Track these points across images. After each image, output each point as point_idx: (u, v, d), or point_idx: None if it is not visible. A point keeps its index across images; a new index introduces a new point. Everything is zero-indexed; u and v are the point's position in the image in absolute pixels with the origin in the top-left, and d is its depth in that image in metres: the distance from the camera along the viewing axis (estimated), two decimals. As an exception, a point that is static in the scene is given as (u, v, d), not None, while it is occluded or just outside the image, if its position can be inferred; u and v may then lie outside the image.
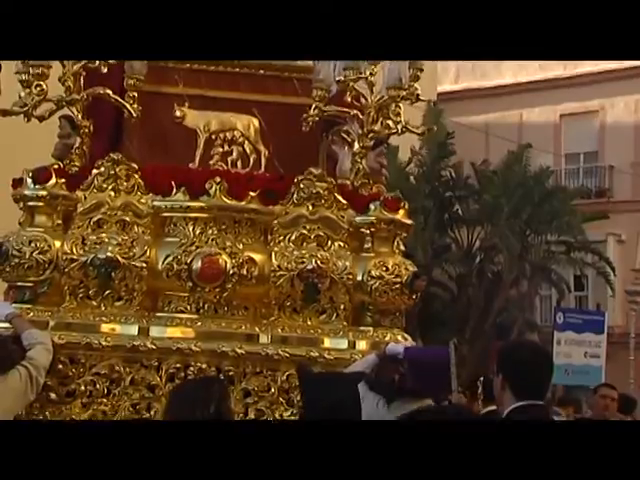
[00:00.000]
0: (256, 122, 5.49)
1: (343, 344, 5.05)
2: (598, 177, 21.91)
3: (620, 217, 20.13)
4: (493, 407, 4.25)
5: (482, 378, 5.82)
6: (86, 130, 5.12)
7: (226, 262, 4.92)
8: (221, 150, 5.46)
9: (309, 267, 5.01)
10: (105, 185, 4.98)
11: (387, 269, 5.10)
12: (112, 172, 4.98)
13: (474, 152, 19.43)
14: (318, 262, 5.02)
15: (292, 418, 4.86)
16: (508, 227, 18.47)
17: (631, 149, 20.86)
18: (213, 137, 5.43)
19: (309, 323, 5.11)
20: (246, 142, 5.47)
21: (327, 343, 5.04)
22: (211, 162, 5.45)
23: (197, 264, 4.89)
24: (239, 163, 5.51)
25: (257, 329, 5.05)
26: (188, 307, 5.03)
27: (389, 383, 4.45)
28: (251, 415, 4.83)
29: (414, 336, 18.85)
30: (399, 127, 5.19)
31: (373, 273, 5.09)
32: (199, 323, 4.99)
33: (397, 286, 5.08)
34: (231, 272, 4.92)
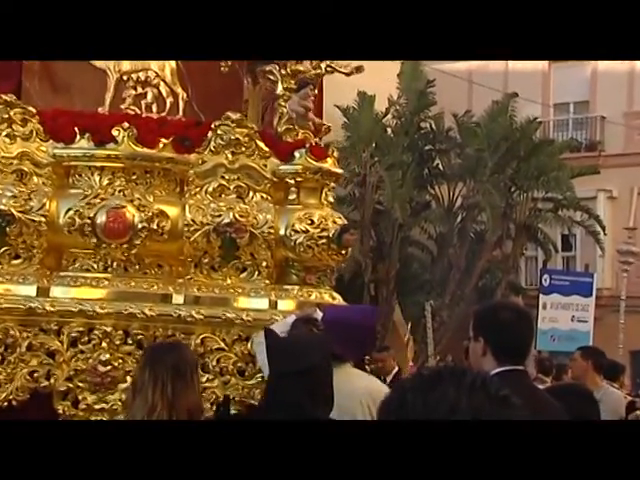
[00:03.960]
0: (172, 62, 5.33)
1: (263, 304, 4.96)
2: (589, 129, 21.77)
3: (611, 172, 20.02)
4: None
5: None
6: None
7: (134, 216, 4.79)
8: (134, 93, 5.31)
9: (226, 221, 4.90)
10: (-2, 131, 4.84)
11: (312, 222, 4.99)
12: (5, 116, 4.83)
13: (456, 102, 19.26)
14: (236, 215, 4.91)
15: (208, 385, 4.79)
16: (492, 183, 18.43)
17: (624, 98, 20.69)
18: (125, 78, 5.27)
19: (228, 282, 5.01)
20: (162, 84, 5.32)
21: (245, 303, 4.95)
22: (123, 106, 5.30)
23: (101, 218, 4.76)
24: (154, 107, 5.37)
25: (171, 289, 4.94)
26: (95, 265, 4.92)
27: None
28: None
29: (390, 300, 18.89)
30: (323, 66, 5.06)
31: (297, 227, 4.99)
32: (106, 282, 4.88)
33: (323, 241, 4.98)
34: (140, 227, 4.80)
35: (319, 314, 4.51)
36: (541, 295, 17.41)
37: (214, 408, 4.74)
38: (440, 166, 19.60)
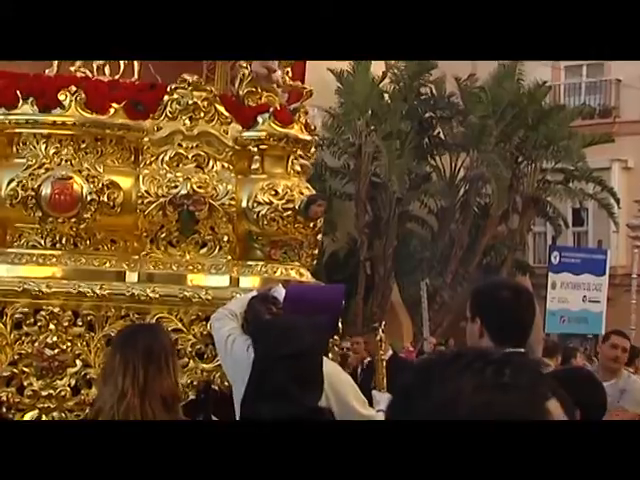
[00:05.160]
0: (125, 20, 5.29)
1: (224, 281, 4.96)
2: (603, 93, 21.71)
3: (627, 140, 19.98)
4: None
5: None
6: None
7: (82, 187, 4.79)
8: (84, 54, 5.28)
9: (183, 192, 4.88)
10: None
11: (277, 193, 4.97)
12: (-60, 79, 4.82)
13: (459, 65, 19.17)
14: (194, 186, 4.89)
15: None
16: (497, 153, 18.39)
17: (641, 60, 20.62)
18: (73, 38, 5.23)
19: (187, 258, 5.01)
20: (114, 44, 5.27)
21: (205, 280, 4.95)
22: (72, 68, 5.26)
23: (46, 190, 4.76)
24: (107, 69, 5.33)
25: (124, 266, 4.94)
26: (42, 241, 4.92)
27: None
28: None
29: (388, 279, 18.83)
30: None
31: (260, 198, 4.97)
32: (54, 259, 4.88)
33: (289, 213, 4.96)
34: (89, 199, 4.79)
35: (281, 292, 4.49)
36: (550, 274, 17.36)
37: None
38: (441, 135, 19.55)
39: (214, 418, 4.16)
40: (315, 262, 5.53)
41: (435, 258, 18.72)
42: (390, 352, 11.01)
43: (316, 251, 5.46)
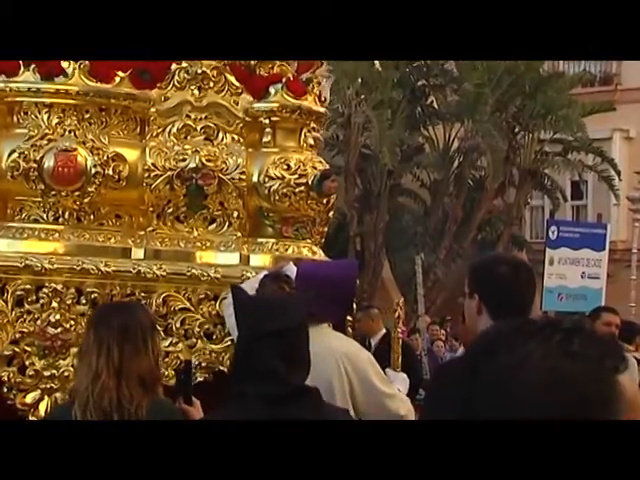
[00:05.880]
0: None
1: (234, 259, 4.99)
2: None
3: (629, 108, 20.04)
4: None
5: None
6: None
7: (86, 159, 4.79)
8: (86, 19, 5.27)
9: (191, 165, 4.90)
10: None
11: (289, 167, 5.00)
12: (-62, 46, 4.79)
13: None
14: (203, 159, 4.91)
15: (171, 349, 4.83)
16: (493, 123, 18.46)
17: (644, 26, 20.67)
18: (74, 3, 5.23)
19: (195, 234, 5.03)
20: (117, 9, 5.28)
21: (214, 258, 4.98)
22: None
23: (49, 162, 4.76)
24: (109, 36, 5.33)
25: (130, 242, 4.97)
26: (44, 215, 4.93)
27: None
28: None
29: (379, 255, 18.93)
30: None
31: (272, 172, 5.00)
32: (57, 235, 4.90)
33: (301, 188, 4.99)
34: (93, 172, 4.80)
35: (292, 270, 4.54)
36: (548, 249, 17.46)
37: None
38: (435, 104, 19.59)
39: (195, 399, 4.19)
40: (323, 240, 5.58)
41: (428, 233, 18.82)
42: (384, 331, 11.08)
43: (326, 228, 5.50)
